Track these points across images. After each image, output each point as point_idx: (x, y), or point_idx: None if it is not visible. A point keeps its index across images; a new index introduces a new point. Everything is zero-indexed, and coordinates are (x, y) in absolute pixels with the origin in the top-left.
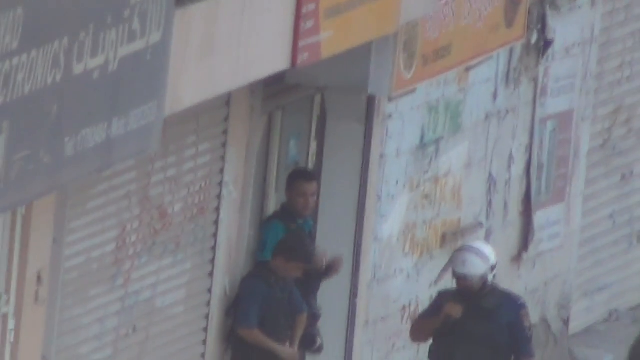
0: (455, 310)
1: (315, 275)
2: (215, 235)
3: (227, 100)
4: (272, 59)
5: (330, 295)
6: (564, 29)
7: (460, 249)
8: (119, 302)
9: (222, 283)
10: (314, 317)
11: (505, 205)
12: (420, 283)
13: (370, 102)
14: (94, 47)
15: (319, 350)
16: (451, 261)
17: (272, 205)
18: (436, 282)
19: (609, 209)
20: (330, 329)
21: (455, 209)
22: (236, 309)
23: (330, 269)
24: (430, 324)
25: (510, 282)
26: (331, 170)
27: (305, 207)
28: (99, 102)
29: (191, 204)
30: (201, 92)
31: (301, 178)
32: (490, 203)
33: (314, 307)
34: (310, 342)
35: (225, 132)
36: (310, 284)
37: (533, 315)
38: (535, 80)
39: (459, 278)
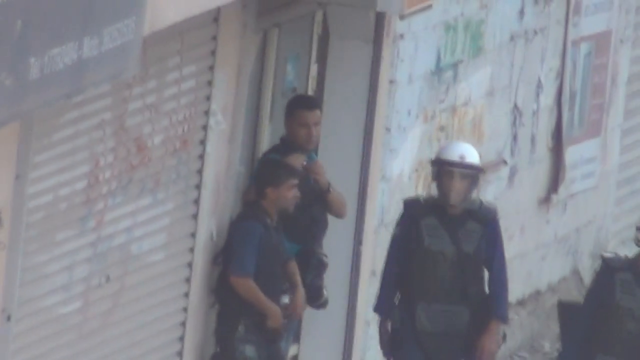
0: None
1: (315, 196)
2: (200, 171)
3: (215, 16)
4: None
5: (331, 243)
6: None
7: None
8: (89, 247)
9: (207, 227)
10: (322, 266)
11: (533, 139)
12: None
13: (379, 19)
14: None
15: (324, 304)
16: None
17: (266, 137)
18: None
19: None
20: (331, 281)
21: (475, 143)
22: (228, 255)
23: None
24: None
25: (538, 228)
26: (333, 98)
27: (308, 140)
28: (69, 18)
29: (173, 135)
30: (186, 7)
31: (302, 106)
32: (515, 137)
33: (320, 254)
34: (316, 295)
35: (213, 53)
36: (316, 230)
37: (563, 266)
38: None
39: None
